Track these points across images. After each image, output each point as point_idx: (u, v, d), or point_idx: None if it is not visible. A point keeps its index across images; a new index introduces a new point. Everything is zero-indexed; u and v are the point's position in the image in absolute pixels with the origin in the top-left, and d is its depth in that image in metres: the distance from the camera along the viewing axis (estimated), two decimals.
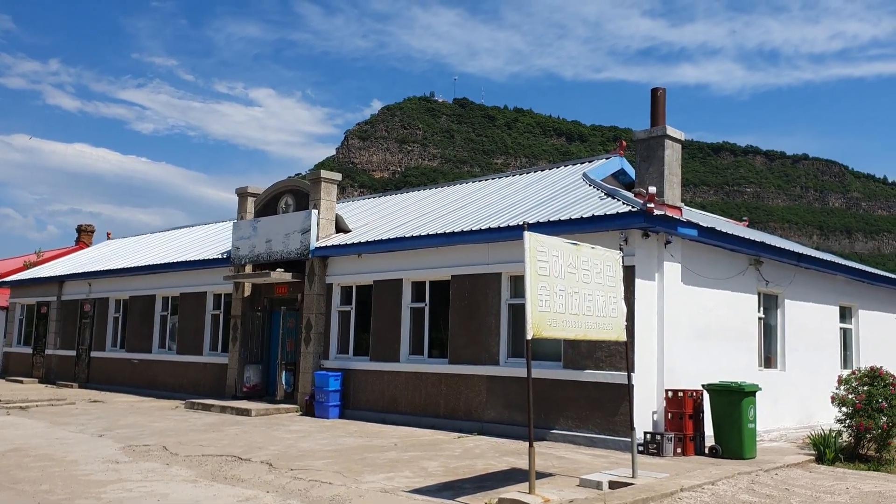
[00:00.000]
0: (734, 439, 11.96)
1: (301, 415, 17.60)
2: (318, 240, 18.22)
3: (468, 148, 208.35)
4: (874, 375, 13.06)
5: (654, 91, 14.49)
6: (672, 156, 13.87)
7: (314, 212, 18.36)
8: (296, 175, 19.79)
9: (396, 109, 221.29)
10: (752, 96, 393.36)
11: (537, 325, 8.37)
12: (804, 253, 16.95)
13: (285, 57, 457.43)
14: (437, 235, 15.51)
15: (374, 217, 19.92)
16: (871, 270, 20.44)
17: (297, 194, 19.47)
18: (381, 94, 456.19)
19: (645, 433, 12.18)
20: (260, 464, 10.83)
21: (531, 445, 8.10)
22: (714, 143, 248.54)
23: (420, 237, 15.85)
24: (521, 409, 13.53)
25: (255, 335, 20.29)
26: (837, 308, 18.48)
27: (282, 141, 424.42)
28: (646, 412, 12.56)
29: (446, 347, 15.59)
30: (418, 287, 16.57)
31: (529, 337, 8.25)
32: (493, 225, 14.59)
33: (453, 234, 15.17)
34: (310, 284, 18.33)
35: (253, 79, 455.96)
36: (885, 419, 12.49)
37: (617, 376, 12.54)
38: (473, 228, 14.88)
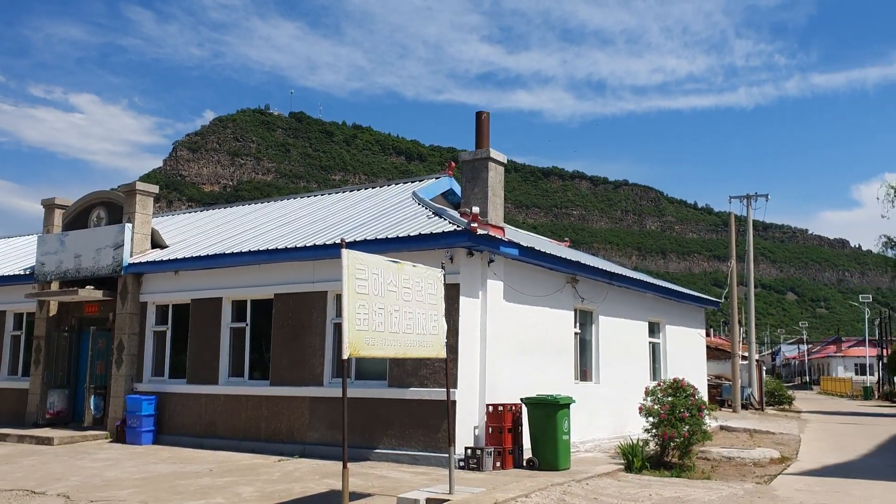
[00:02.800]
0: (550, 451, 12.35)
1: (111, 442, 16.43)
2: (131, 256, 17.18)
3: (305, 163, 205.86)
4: (677, 387, 13.94)
5: (479, 114, 14.84)
6: (495, 177, 14.21)
7: (128, 226, 17.30)
8: (119, 187, 18.62)
9: (229, 121, 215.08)
10: (581, 124, 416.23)
11: (354, 344, 8.25)
12: (616, 272, 17.92)
13: (112, 62, 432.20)
14: (259, 252, 15.04)
15: (194, 232, 19.07)
16: (676, 288, 21.95)
17: (111, 207, 18.28)
18: (215, 105, 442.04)
19: (466, 448, 12.32)
20: (56, 497, 9.97)
21: (345, 466, 7.94)
22: (545, 167, 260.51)
23: (241, 254, 15.31)
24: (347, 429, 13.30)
25: (61, 357, 18.75)
26: (647, 323, 19.67)
27: (106, 150, 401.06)
28: (468, 427, 12.72)
29: (268, 369, 15.11)
30: (239, 306, 15.98)
31: (346, 356, 8.12)
32: (319, 242, 14.35)
33: (276, 251, 14.77)
34: (122, 303, 17.21)
35: (75, 83, 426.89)
36: (686, 428, 13.34)
37: (441, 393, 12.57)
38: (298, 245, 14.56)
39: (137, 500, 9.66)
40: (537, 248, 14.56)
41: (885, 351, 60.05)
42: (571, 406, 12.94)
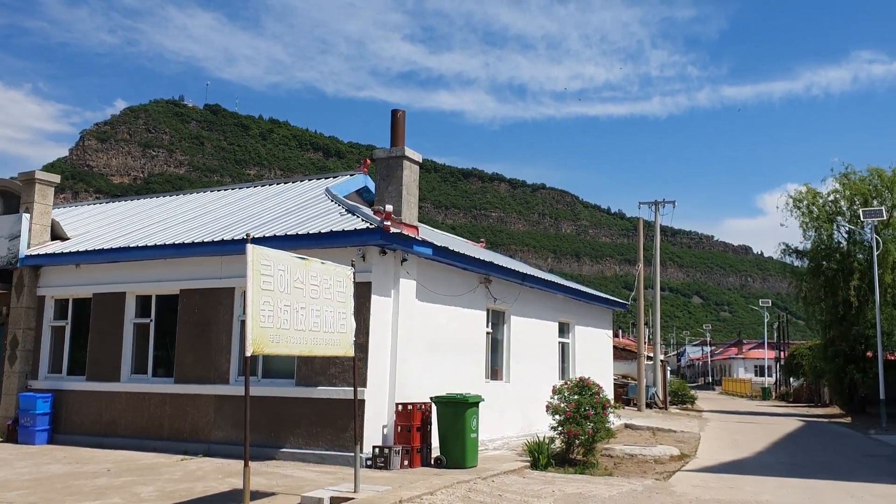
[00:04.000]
0: (457, 449, 12.43)
1: (2, 442, 15.67)
2: (29, 247, 16.44)
3: (219, 157, 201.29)
4: (583, 385, 14.27)
5: (395, 112, 14.80)
6: (410, 176, 14.21)
7: (26, 216, 16.54)
8: (18, 175, 17.63)
9: (141, 111, 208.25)
10: (502, 127, 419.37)
11: (258, 342, 8.13)
12: (528, 273, 18.20)
13: (15, 45, 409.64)
14: (165, 246, 14.62)
15: (99, 224, 18.38)
16: (586, 290, 22.47)
17: (6, 196, 17.43)
18: (127, 94, 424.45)
19: (374, 447, 12.28)
20: None
21: (246, 465, 7.81)
22: (465, 168, 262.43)
23: (147, 247, 14.85)
24: (252, 428, 13.07)
25: None
26: (557, 324, 20.05)
27: (6, 137, 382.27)
28: (377, 426, 12.68)
29: (173, 366, 14.70)
30: (144, 301, 15.50)
31: (249, 354, 8.00)
32: (227, 237, 14.06)
33: (183, 245, 14.40)
34: (17, 296, 16.44)
35: None
36: (591, 425, 13.67)
37: (350, 392, 12.51)
38: (206, 240, 14.23)
39: (27, 502, 9.24)
40: (451, 247, 14.64)
41: (782, 353, 62.96)
42: (481, 405, 13.07)
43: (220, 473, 11.56)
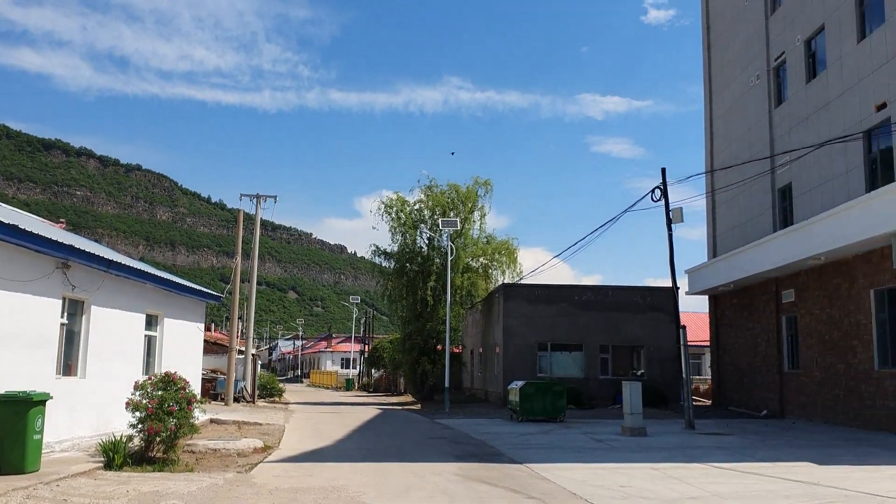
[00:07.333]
0: (16, 453, 11.05)
1: None
2: None
3: None
4: (168, 381, 13.71)
5: None
6: None
7: None
8: None
9: None
10: (98, 98, 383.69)
11: None
12: (114, 260, 16.92)
13: None
14: None
15: None
16: (178, 281, 21.64)
17: None
18: None
19: None
20: None
21: None
22: (46, 138, 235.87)
23: None
24: None
25: None
26: (144, 316, 18.96)
27: None
28: None
29: None
30: None
31: None
32: None
33: None
34: None
35: None
36: (174, 421, 13.17)
37: None
38: None
39: None
40: (22, 226, 12.98)
41: (367, 347, 67.73)
42: (49, 403, 11.83)
43: None
